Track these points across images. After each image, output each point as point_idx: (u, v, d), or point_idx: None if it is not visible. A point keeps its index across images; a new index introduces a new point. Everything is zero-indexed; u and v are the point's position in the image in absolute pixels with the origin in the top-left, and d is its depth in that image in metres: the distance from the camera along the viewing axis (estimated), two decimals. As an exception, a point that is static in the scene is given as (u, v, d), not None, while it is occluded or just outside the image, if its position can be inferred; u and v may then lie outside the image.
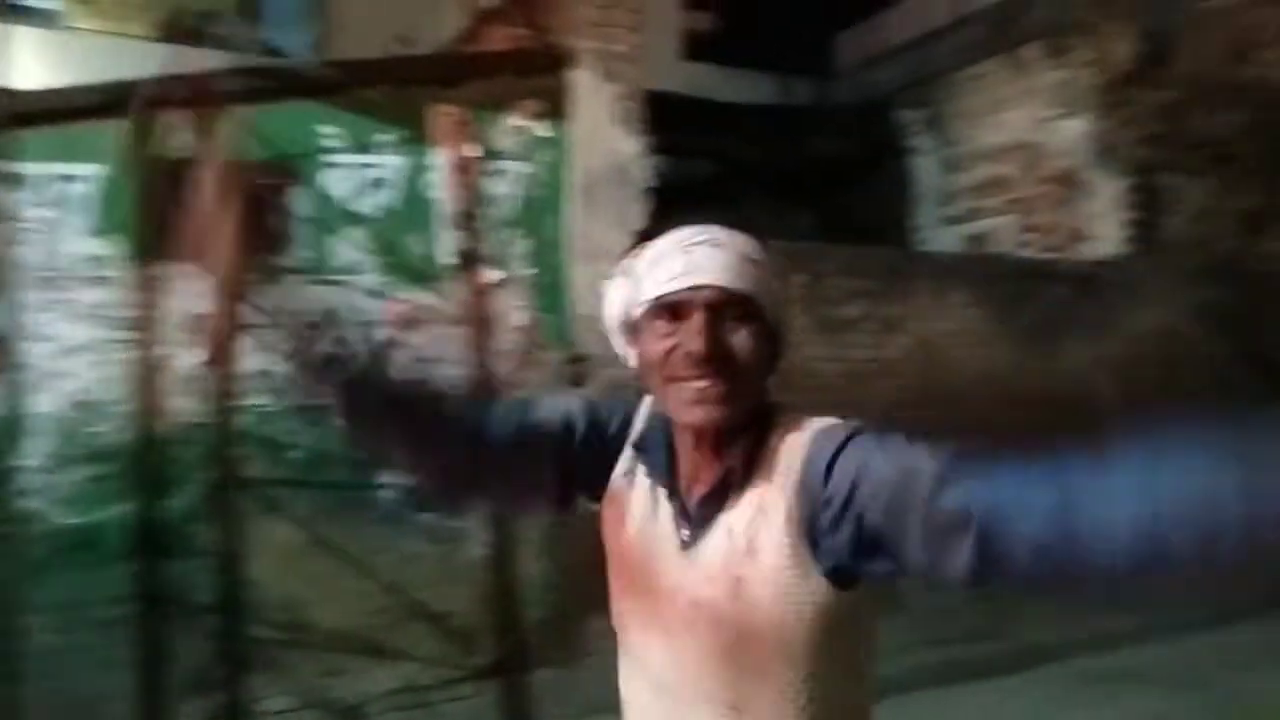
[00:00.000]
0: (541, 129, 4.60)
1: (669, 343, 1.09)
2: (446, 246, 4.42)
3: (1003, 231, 6.76)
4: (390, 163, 4.34)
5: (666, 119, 4.97)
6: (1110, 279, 6.02)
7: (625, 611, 1.23)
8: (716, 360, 1.07)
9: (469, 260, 4.47)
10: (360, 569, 4.02)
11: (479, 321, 4.47)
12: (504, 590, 4.28)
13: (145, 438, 3.88)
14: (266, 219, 4.11)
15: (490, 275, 4.48)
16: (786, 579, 1.07)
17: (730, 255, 1.08)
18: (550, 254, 4.60)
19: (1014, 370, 5.62)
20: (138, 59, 4.62)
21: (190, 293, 4.07)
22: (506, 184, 4.55)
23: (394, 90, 4.38)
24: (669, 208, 4.81)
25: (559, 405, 1.27)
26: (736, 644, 1.09)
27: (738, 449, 1.12)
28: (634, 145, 4.78)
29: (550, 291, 4.58)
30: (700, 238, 1.10)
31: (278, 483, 4.02)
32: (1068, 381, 5.76)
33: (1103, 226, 6.25)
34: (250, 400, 4.04)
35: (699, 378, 1.07)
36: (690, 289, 1.07)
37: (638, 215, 4.76)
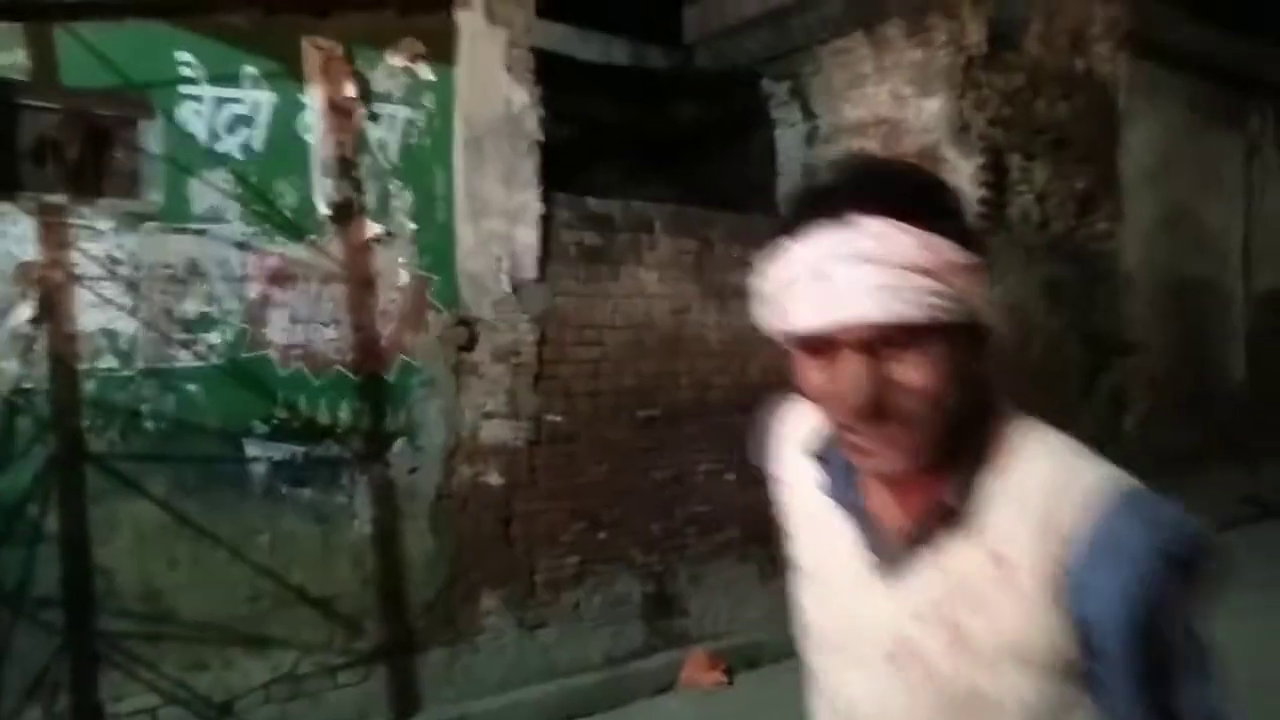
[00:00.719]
0: (426, 72, 4.26)
1: (822, 379, 0.88)
2: (322, 195, 4.03)
3: (865, 205, 6.89)
4: (258, 99, 3.88)
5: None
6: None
7: (813, 630, 1.08)
8: (877, 413, 0.85)
9: (347, 212, 4.09)
10: (230, 551, 3.62)
11: (359, 279, 4.12)
12: (389, 570, 3.99)
13: (-36, 405, 3.32)
14: (113, 156, 3.59)
15: (371, 229, 4.13)
16: (1027, 647, 0.88)
17: (883, 271, 0.81)
18: (436, 208, 4.27)
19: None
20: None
21: (14, 238, 3.54)
22: (388, 130, 4.18)
23: (261, 17, 3.92)
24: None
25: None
26: (955, 695, 0.92)
27: (951, 471, 0.92)
28: (525, 95, 4.51)
29: (436, 248, 4.27)
30: (842, 251, 0.82)
31: (130, 457, 3.54)
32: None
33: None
34: (93, 363, 3.54)
35: (860, 430, 0.87)
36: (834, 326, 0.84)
37: (529, 170, 4.50)
